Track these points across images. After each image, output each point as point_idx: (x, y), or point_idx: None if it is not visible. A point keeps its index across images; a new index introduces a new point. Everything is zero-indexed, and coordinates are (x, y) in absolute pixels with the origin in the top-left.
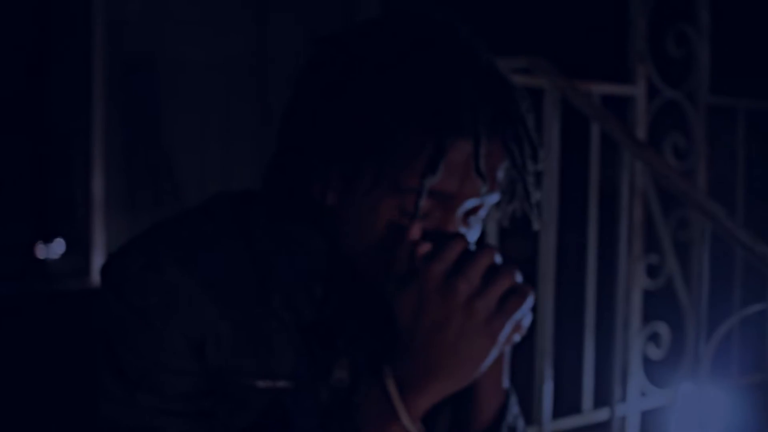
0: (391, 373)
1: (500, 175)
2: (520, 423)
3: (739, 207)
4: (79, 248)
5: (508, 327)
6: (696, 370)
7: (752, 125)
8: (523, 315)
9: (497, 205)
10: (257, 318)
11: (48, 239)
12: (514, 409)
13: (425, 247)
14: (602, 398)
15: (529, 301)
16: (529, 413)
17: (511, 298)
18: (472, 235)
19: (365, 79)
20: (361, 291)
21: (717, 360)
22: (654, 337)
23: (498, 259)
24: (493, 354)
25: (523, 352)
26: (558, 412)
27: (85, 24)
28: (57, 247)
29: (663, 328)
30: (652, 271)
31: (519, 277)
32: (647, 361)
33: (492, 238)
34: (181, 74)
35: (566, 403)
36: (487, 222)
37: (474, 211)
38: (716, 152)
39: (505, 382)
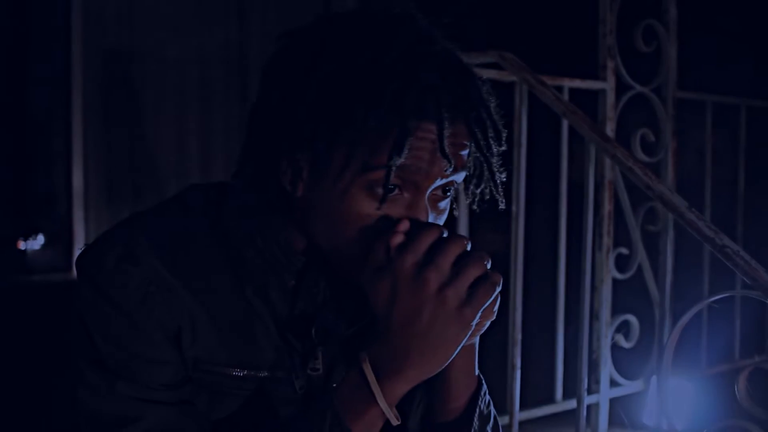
0: (367, 358)
1: (465, 156)
2: (492, 410)
3: (706, 200)
4: (60, 242)
5: (478, 314)
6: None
7: (719, 119)
8: (493, 301)
9: (466, 188)
10: (232, 308)
11: (29, 234)
12: (486, 396)
13: (398, 238)
14: (573, 388)
15: (499, 288)
16: (502, 403)
17: (481, 286)
18: (442, 219)
19: (330, 68)
20: (335, 281)
21: (686, 351)
22: (623, 328)
23: (468, 247)
24: (464, 340)
25: (496, 343)
26: (531, 402)
27: (64, 18)
28: (38, 242)
29: (632, 319)
30: (621, 263)
31: (488, 265)
32: (617, 352)
33: (463, 231)
34: (161, 68)
35: (539, 393)
36: (456, 207)
37: (443, 192)
38: (686, 146)
39: (476, 370)
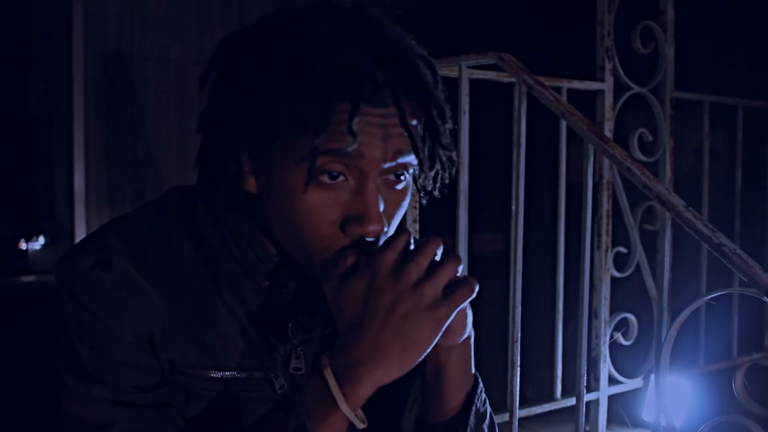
0: (328, 363)
1: (410, 137)
2: (488, 408)
3: (704, 199)
4: (61, 243)
5: (452, 315)
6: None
7: (717, 119)
8: (463, 312)
9: (421, 172)
10: (206, 310)
11: (30, 235)
12: (483, 394)
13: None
14: (572, 386)
15: (475, 293)
16: (502, 400)
17: (458, 287)
18: (401, 206)
19: (254, 65)
20: (305, 281)
21: (684, 348)
22: (622, 326)
23: (441, 250)
24: (435, 340)
25: (496, 341)
26: (531, 399)
27: (65, 20)
28: (39, 243)
29: (631, 317)
30: (620, 261)
31: (460, 269)
32: (616, 349)
33: (462, 230)
34: (162, 69)
35: (539, 390)
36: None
37: (395, 177)
38: (683, 146)
39: (472, 368)
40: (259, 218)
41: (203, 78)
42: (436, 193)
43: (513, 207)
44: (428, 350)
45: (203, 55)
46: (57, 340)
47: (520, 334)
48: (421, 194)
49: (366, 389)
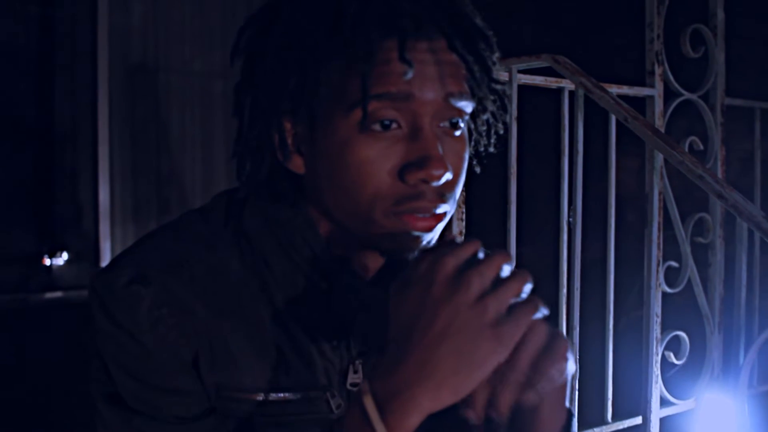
0: (368, 389)
1: (463, 80)
2: None
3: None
4: (86, 258)
5: (517, 335)
6: (715, 378)
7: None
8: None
9: (474, 122)
10: (256, 323)
11: (54, 250)
12: (575, 429)
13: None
14: (623, 408)
15: (540, 313)
16: None
17: (522, 305)
18: (461, 158)
19: (288, 13)
20: (366, 278)
21: (732, 368)
22: (672, 344)
23: (510, 265)
24: (495, 363)
25: None
26: (581, 424)
27: (90, 34)
28: (63, 258)
29: (682, 335)
30: (671, 276)
31: (530, 286)
32: (666, 368)
33: (512, 247)
34: (186, 82)
35: (589, 414)
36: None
37: (451, 126)
38: (732, 154)
39: (567, 401)
40: (309, 206)
41: (234, 50)
42: (491, 148)
43: (569, 219)
44: (486, 374)
45: (228, 69)
46: (90, 365)
47: (578, 356)
48: (475, 160)
49: (414, 419)
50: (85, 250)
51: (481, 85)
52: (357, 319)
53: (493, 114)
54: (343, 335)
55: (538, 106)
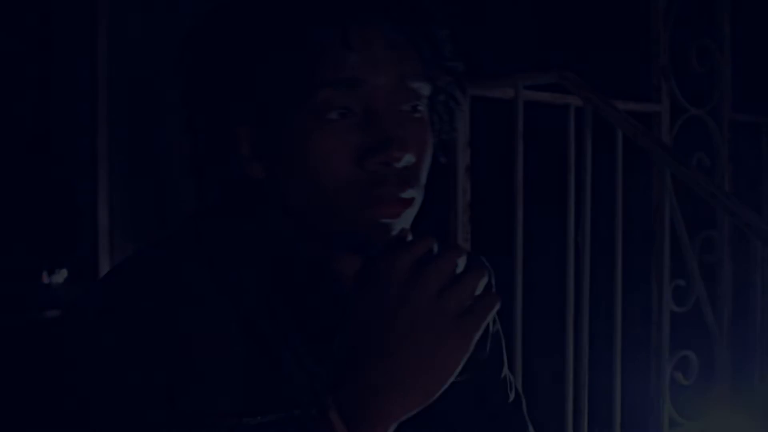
0: (333, 403)
1: (416, 62)
2: None
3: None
4: (85, 276)
5: (480, 329)
6: (725, 397)
7: None
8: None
9: (433, 106)
10: (231, 347)
11: (53, 268)
12: None
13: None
14: (633, 429)
15: (498, 305)
16: None
17: (482, 298)
18: (422, 140)
19: (228, 19)
20: (343, 284)
21: (744, 388)
22: (681, 364)
23: (464, 262)
24: (463, 359)
25: (548, 381)
26: None
27: (89, 45)
28: (61, 276)
29: (691, 355)
30: (679, 295)
31: (486, 280)
32: (675, 389)
33: (519, 264)
34: None
35: None
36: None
37: (412, 109)
38: (739, 170)
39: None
40: (275, 214)
41: (177, 65)
42: (453, 134)
43: (577, 239)
44: (455, 371)
45: None
46: (51, 394)
47: (587, 378)
48: (438, 149)
49: (383, 428)
50: (84, 268)
51: (431, 64)
52: (339, 328)
53: (451, 95)
54: (327, 345)
55: (544, 122)
